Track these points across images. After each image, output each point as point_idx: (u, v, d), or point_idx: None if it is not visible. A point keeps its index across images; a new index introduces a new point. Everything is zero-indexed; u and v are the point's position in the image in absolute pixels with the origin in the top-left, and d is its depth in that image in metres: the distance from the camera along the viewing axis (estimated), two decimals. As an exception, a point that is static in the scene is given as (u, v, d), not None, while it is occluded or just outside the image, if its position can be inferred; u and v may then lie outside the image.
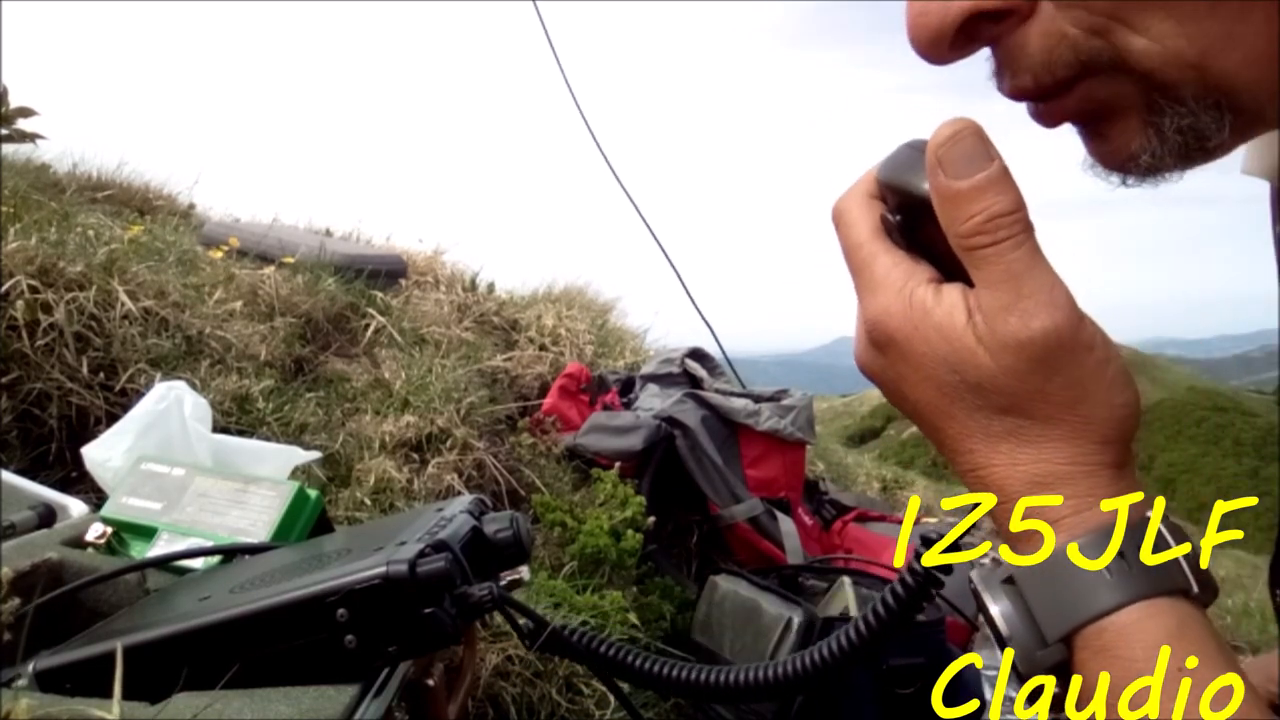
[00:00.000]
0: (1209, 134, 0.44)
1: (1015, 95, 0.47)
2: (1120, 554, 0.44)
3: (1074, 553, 0.45)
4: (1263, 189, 0.66)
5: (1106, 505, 0.46)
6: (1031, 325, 0.45)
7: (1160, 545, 0.45)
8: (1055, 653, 0.45)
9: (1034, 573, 0.46)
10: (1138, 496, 0.46)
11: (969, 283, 0.48)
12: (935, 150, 0.46)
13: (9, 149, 2.15)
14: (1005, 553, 0.49)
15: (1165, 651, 0.42)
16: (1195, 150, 0.45)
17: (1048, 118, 0.47)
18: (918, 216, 0.49)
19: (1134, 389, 0.47)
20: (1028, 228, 0.45)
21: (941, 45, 0.45)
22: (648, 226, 3.23)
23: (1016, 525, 0.47)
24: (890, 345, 0.49)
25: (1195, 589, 0.44)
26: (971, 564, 0.51)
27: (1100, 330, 0.47)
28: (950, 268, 0.49)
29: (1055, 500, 0.46)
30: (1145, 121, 0.44)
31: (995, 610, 0.47)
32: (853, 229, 0.52)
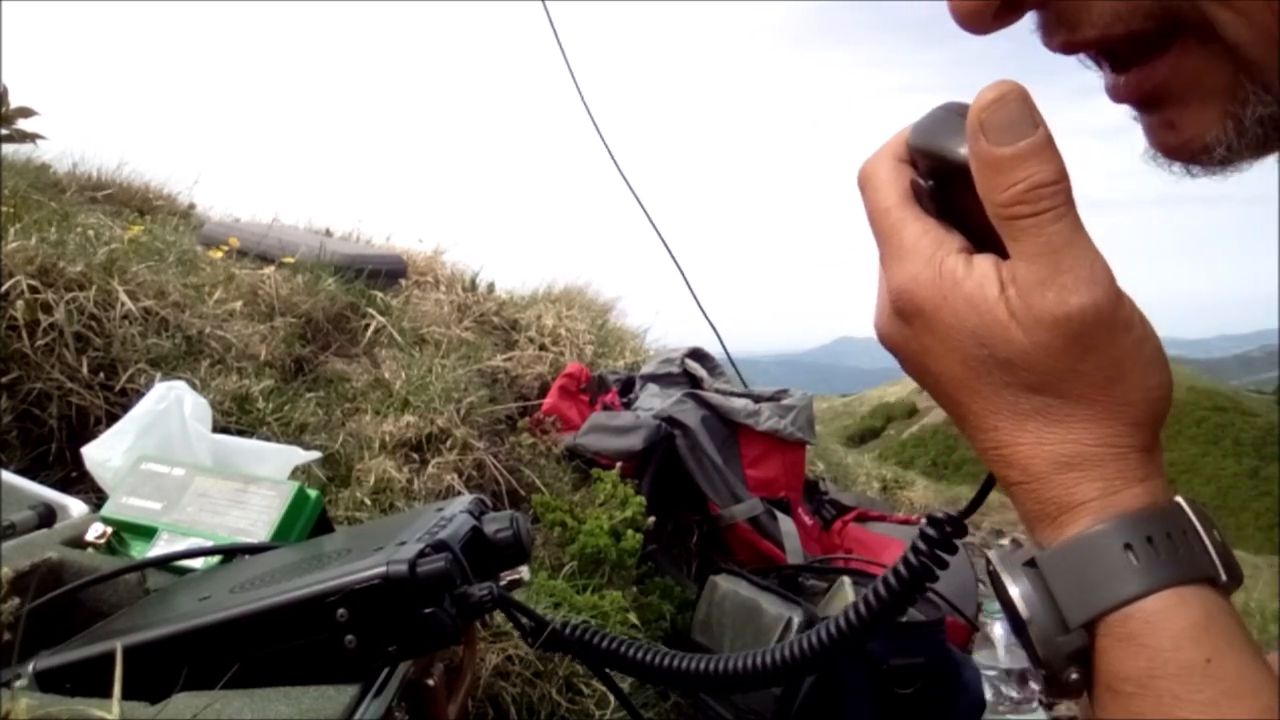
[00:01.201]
0: None
1: (1069, 49, 0.44)
2: (1148, 539, 0.43)
3: (1100, 537, 0.43)
4: (1263, 189, 0.66)
5: (1134, 489, 0.44)
6: (1069, 301, 0.43)
7: (1188, 531, 0.44)
8: (1076, 639, 0.43)
9: (1057, 556, 0.44)
10: (1164, 481, 0.45)
11: (1002, 254, 0.46)
12: (978, 114, 0.44)
13: (9, 149, 2.15)
14: (1027, 535, 0.48)
15: (1194, 641, 0.41)
16: (1274, 140, 0.42)
17: (1125, 90, 0.44)
18: (951, 183, 0.47)
19: (1168, 372, 0.46)
20: (1070, 200, 0.44)
21: (985, 15, 0.42)
22: (654, 225, 3.23)
23: (1039, 507, 0.45)
24: (916, 315, 0.47)
25: (1223, 577, 0.43)
26: (979, 556, 0.50)
27: (1138, 309, 0.45)
28: (983, 238, 0.47)
29: (1083, 482, 0.44)
30: (1225, 112, 0.42)
31: (1015, 591, 0.45)
32: (880, 192, 0.49)
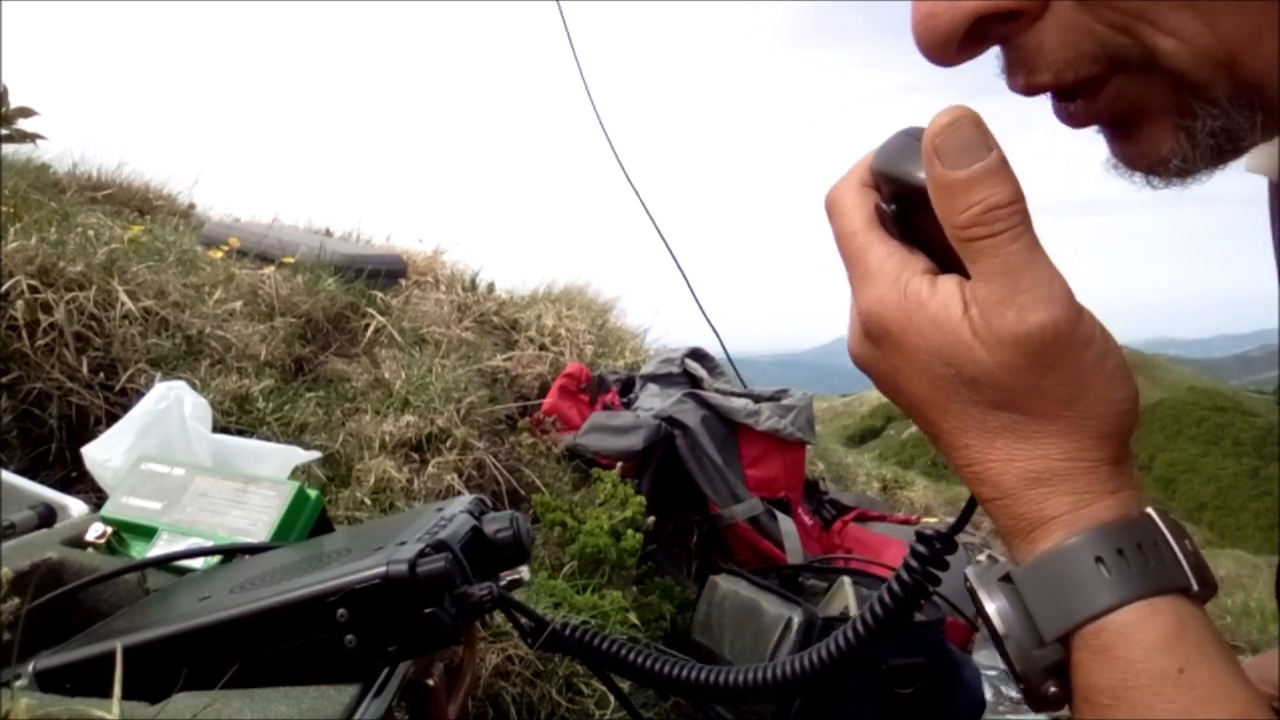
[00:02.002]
0: (1241, 134, 0.42)
1: (1029, 91, 0.45)
2: (1119, 551, 0.43)
3: (1071, 550, 0.44)
4: (1263, 189, 0.66)
5: (1104, 502, 0.45)
6: (1028, 320, 0.44)
7: (1158, 541, 0.44)
8: (1052, 652, 0.44)
9: (1031, 571, 0.45)
10: (1136, 493, 0.46)
11: (965, 274, 0.46)
12: (932, 139, 0.45)
13: (9, 149, 2.15)
14: (1001, 550, 0.48)
15: (1165, 651, 0.41)
16: (1227, 151, 0.44)
17: (1077, 118, 0.46)
18: (913, 206, 0.48)
19: (1133, 384, 0.46)
20: (1026, 220, 0.44)
21: (949, 47, 0.44)
22: (655, 226, 3.23)
23: (1013, 522, 0.46)
24: (885, 337, 0.48)
25: (1195, 586, 0.44)
26: (971, 562, 0.51)
27: (1099, 324, 0.46)
28: (946, 259, 0.48)
29: (1053, 496, 0.45)
30: (1177, 125, 0.43)
31: (991, 608, 0.46)
32: (846, 217, 0.51)
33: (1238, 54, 0.40)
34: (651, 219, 3.25)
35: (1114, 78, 0.43)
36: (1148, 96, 0.43)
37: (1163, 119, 0.43)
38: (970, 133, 0.45)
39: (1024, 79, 0.44)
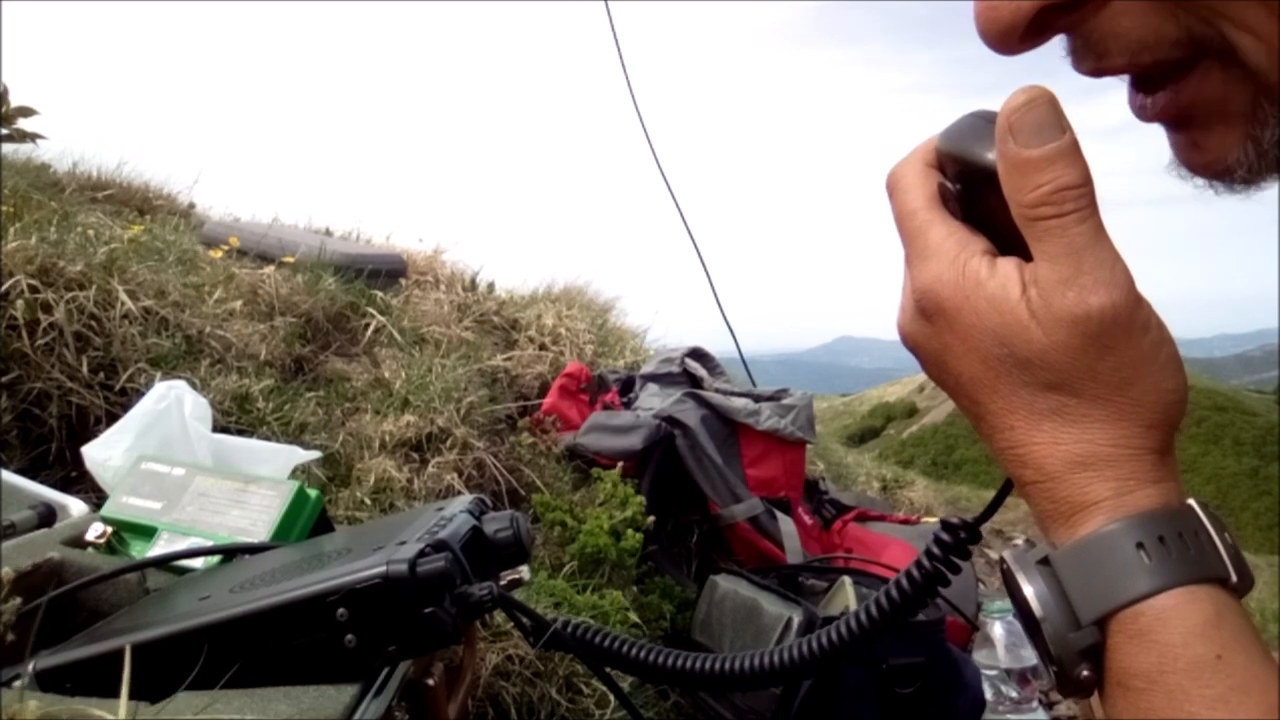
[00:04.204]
0: None
1: (1097, 74, 0.44)
2: (1160, 539, 0.43)
3: (1113, 535, 0.44)
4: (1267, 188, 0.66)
5: (1147, 490, 0.45)
6: (1089, 301, 0.44)
7: (1199, 532, 0.44)
8: (1088, 635, 0.44)
9: (1071, 554, 0.45)
10: (1177, 484, 0.46)
11: (1026, 258, 0.46)
12: (1007, 116, 0.45)
13: (9, 149, 2.15)
14: (1041, 533, 0.48)
15: (1203, 638, 0.42)
16: None
17: (1154, 110, 0.45)
18: (977, 187, 0.48)
19: (1183, 375, 0.47)
20: (1093, 203, 0.45)
21: (1012, 38, 0.43)
22: (685, 222, 3.22)
23: (1054, 506, 0.46)
24: (939, 314, 0.48)
25: (1234, 578, 0.44)
26: (979, 555, 0.50)
27: (1155, 314, 0.46)
28: (1007, 242, 0.48)
29: (1096, 481, 0.45)
30: (1247, 134, 0.43)
31: (1029, 591, 0.45)
32: (907, 195, 0.51)
33: None
34: (681, 215, 3.25)
35: (1200, 64, 0.42)
36: (1227, 95, 0.42)
37: (1236, 124, 0.43)
38: (1045, 112, 0.45)
39: (1092, 63, 0.44)
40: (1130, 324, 0.44)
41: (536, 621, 0.75)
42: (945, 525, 0.57)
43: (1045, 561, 0.46)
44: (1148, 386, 0.45)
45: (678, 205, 3.27)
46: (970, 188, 0.49)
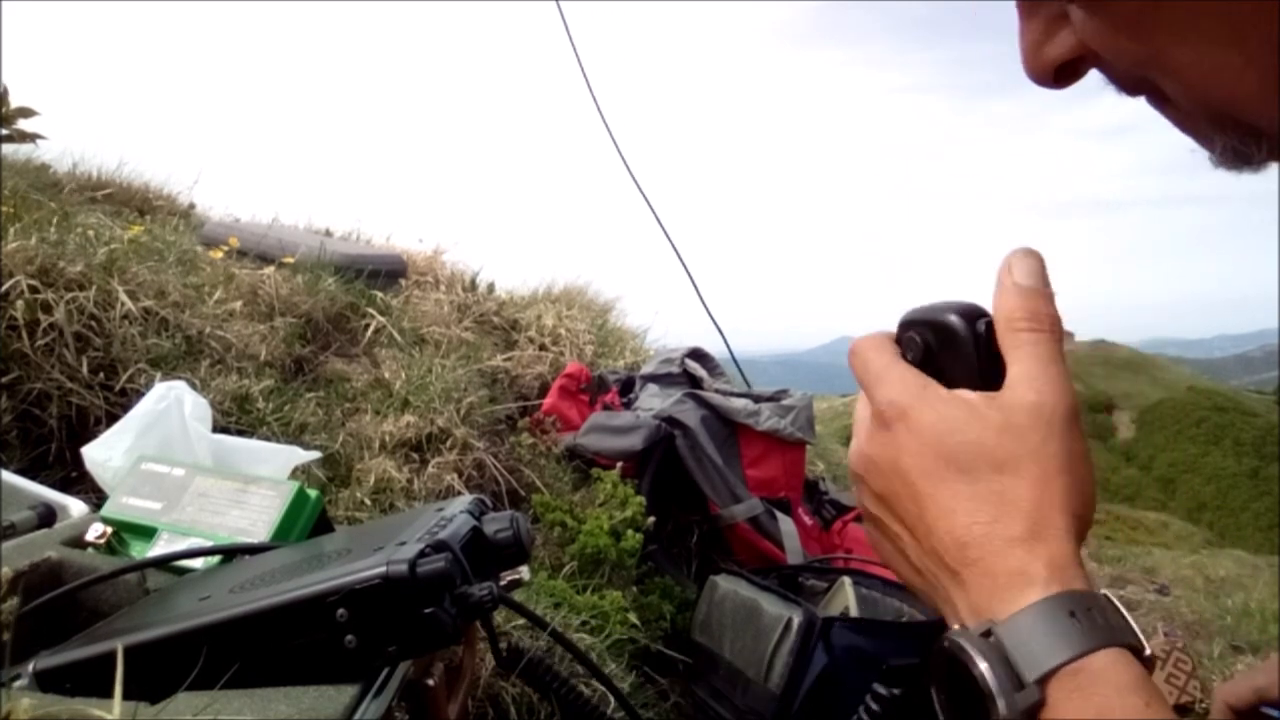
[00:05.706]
0: (1250, 154, 0.49)
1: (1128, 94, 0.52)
2: (1088, 609, 0.50)
3: (1051, 605, 0.50)
4: (1264, 188, 0.66)
5: (1073, 570, 0.51)
6: (1044, 393, 0.52)
7: (1116, 610, 0.51)
8: (1032, 693, 0.48)
9: (1015, 622, 0.50)
10: (1086, 573, 0.53)
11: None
12: (1010, 258, 0.56)
13: (9, 149, 2.15)
14: (979, 609, 0.53)
15: (1135, 691, 0.47)
16: (1245, 165, 0.50)
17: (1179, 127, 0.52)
18: (935, 346, 0.57)
19: (1095, 491, 0.55)
20: (1061, 336, 0.54)
21: (1047, 82, 0.52)
22: (662, 227, 3.23)
23: (994, 580, 0.52)
24: (900, 419, 0.55)
25: (1147, 650, 0.50)
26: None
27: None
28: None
29: (1033, 560, 0.51)
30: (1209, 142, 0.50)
31: (983, 667, 0.50)
32: (869, 354, 0.59)
33: (1232, 94, 0.46)
34: (657, 218, 3.25)
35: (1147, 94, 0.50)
36: (1177, 120, 0.50)
37: (1198, 134, 0.50)
38: (1038, 264, 0.56)
39: (1116, 89, 0.52)
40: (1074, 421, 0.53)
41: (536, 622, 0.75)
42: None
43: (988, 634, 0.51)
44: (1078, 478, 0.52)
45: (648, 201, 3.26)
46: (928, 347, 0.58)
